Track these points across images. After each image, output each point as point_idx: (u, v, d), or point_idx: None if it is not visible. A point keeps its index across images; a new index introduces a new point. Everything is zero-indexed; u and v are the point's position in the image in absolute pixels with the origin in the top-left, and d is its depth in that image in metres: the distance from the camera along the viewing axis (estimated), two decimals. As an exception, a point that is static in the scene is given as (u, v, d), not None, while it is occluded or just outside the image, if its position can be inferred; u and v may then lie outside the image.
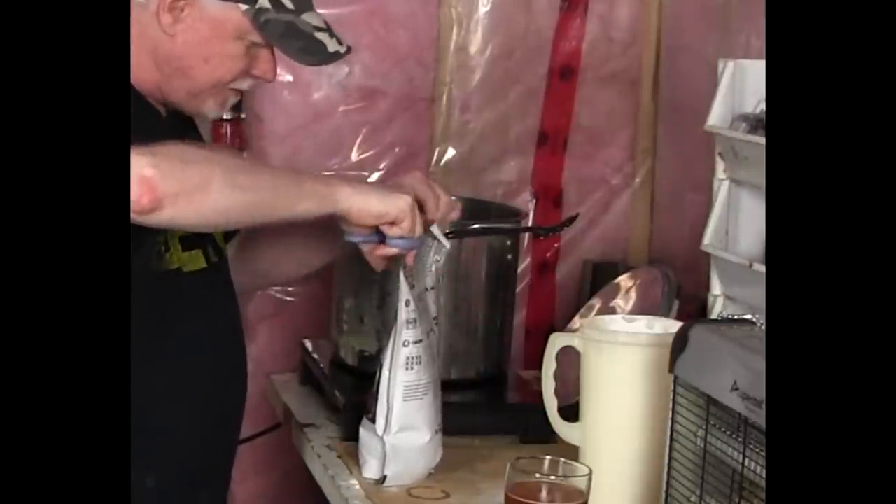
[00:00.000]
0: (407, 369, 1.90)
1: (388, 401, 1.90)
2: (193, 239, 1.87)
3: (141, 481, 1.74)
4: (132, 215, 1.58)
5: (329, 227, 1.91)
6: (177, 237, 1.83)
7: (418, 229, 1.82)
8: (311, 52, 1.87)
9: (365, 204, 1.78)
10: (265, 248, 2.08)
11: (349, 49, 1.90)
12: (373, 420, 1.92)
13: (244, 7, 1.83)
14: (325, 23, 1.89)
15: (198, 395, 1.88)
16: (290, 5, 1.85)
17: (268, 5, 1.83)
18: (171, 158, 1.64)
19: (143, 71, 1.83)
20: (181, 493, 1.87)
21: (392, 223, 1.80)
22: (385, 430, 1.90)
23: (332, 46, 1.87)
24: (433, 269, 1.96)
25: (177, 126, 1.92)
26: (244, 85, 1.91)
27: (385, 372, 1.90)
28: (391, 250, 1.84)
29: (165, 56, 1.83)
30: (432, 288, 1.97)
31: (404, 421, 1.90)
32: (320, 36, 1.87)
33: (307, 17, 1.87)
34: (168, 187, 1.61)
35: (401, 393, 1.90)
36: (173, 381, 1.84)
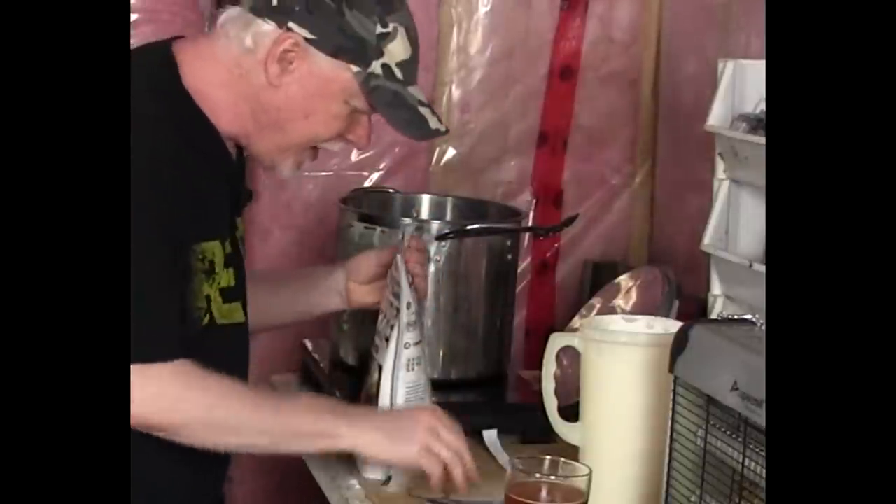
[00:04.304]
0: (408, 370, 1.91)
1: (391, 403, 1.90)
2: (234, 292, 1.85)
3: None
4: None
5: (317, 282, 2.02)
6: (218, 288, 1.82)
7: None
8: (415, 124, 1.84)
9: (371, 451, 1.82)
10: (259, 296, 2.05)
11: (447, 130, 1.89)
12: None
13: (356, 69, 1.79)
14: (426, 100, 1.87)
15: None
16: (399, 75, 1.81)
17: (379, 71, 1.80)
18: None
19: (236, 116, 1.81)
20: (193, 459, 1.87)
21: None
22: None
23: (433, 123, 1.85)
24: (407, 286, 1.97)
25: (237, 175, 1.92)
26: (335, 146, 1.90)
27: (387, 374, 1.90)
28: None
29: (265, 106, 1.80)
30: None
31: None
32: (423, 111, 1.84)
33: (413, 90, 1.84)
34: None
35: (403, 394, 1.90)
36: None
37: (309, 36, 1.77)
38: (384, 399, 1.91)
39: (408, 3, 1.85)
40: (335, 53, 1.78)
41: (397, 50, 1.80)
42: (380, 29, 1.78)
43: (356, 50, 1.78)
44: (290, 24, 1.76)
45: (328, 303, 2.12)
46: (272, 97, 1.79)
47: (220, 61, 1.80)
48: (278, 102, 1.80)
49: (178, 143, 1.76)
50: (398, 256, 1.94)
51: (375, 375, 1.93)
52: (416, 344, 1.91)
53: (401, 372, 1.90)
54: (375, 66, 1.79)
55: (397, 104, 1.82)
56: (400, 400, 1.90)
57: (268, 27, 1.77)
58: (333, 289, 2.09)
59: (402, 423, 1.84)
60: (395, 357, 1.90)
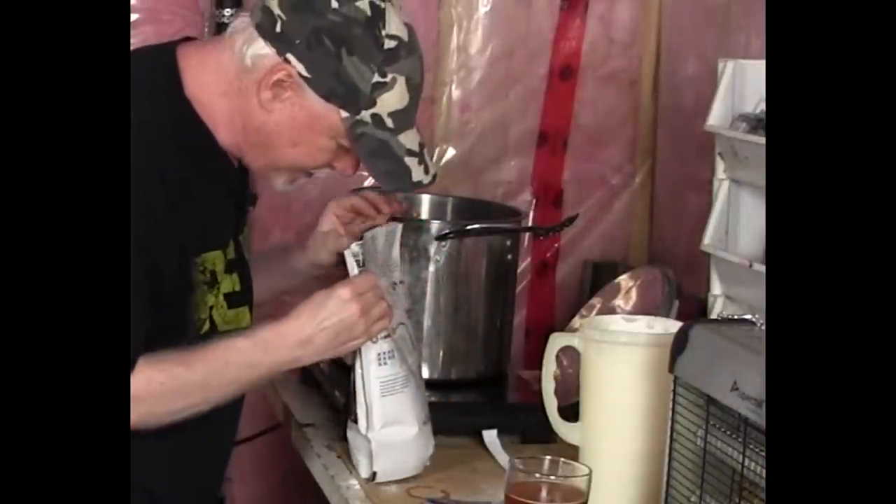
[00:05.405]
0: (380, 364, 1.89)
1: (365, 399, 1.90)
2: (240, 297, 1.85)
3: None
4: None
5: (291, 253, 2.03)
6: (222, 294, 1.81)
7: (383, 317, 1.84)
8: (395, 176, 1.83)
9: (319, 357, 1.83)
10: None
11: (434, 178, 1.87)
12: (355, 420, 1.92)
13: (345, 114, 1.77)
14: (420, 145, 1.84)
15: None
16: (390, 124, 1.79)
17: (368, 119, 1.78)
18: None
19: (230, 130, 1.80)
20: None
21: None
22: (368, 428, 1.90)
23: (416, 175, 1.83)
24: (400, 262, 1.96)
25: (240, 180, 1.92)
26: (322, 173, 1.89)
27: (357, 370, 1.90)
28: None
29: (255, 126, 1.79)
30: (401, 282, 1.97)
31: (387, 416, 1.90)
32: (409, 161, 1.82)
33: (403, 137, 1.81)
34: None
35: (377, 389, 1.89)
36: None
37: (304, 73, 1.76)
38: (359, 397, 1.90)
39: (420, 48, 1.83)
40: (327, 96, 1.77)
41: (392, 100, 1.78)
42: (376, 78, 1.77)
43: (347, 97, 1.77)
44: (289, 56, 1.75)
45: (290, 283, 2.12)
46: (263, 119, 1.78)
47: (223, 71, 1.79)
48: (269, 126, 1.79)
49: (176, 153, 1.75)
50: (347, 253, 1.92)
51: (351, 374, 1.92)
52: (384, 337, 1.89)
53: (371, 367, 1.89)
54: (365, 115, 1.78)
55: (381, 154, 1.80)
56: (375, 396, 1.89)
57: (267, 51, 1.76)
58: (293, 269, 2.09)
59: (331, 320, 1.80)
60: (362, 353, 1.89)
